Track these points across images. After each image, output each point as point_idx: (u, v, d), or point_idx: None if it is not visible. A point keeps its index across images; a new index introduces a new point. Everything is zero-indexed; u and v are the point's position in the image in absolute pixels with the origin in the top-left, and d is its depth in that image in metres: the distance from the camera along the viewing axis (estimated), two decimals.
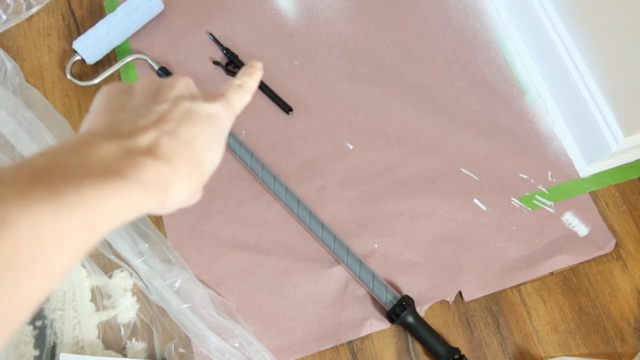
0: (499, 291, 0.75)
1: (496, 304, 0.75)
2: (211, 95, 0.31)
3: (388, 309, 0.71)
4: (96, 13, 0.91)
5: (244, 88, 0.34)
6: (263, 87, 0.84)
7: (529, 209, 0.79)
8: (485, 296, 0.75)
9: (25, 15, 0.89)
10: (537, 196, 0.80)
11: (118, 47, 0.87)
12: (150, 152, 0.26)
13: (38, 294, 0.21)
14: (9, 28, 0.89)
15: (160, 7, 0.88)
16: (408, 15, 0.91)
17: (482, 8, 0.92)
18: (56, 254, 0.21)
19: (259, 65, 0.36)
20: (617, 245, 0.77)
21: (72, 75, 0.84)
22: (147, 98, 0.30)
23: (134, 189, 0.24)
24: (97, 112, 0.29)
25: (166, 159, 0.26)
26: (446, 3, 0.92)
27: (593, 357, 0.72)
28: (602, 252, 0.77)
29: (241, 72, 0.35)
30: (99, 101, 0.30)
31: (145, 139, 0.26)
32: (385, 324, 0.72)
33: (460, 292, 0.75)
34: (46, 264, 0.21)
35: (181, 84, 0.31)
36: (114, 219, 0.23)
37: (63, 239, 0.21)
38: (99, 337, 0.71)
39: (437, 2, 0.92)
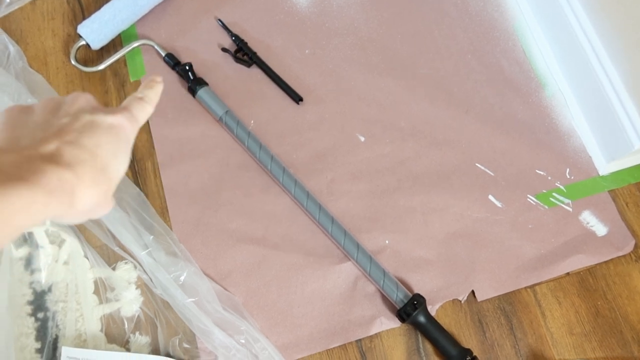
0: (513, 291, 0.73)
1: (510, 304, 0.72)
2: (112, 108, 0.33)
3: (398, 308, 0.69)
4: None
5: (146, 100, 0.36)
6: (273, 75, 0.82)
7: (546, 206, 0.76)
8: (498, 296, 0.73)
9: None
10: (554, 194, 0.77)
11: (124, 32, 0.84)
12: (52, 159, 0.27)
13: None
14: (12, 11, 0.86)
15: None
16: (424, 3, 0.88)
17: None
18: None
19: (159, 79, 0.39)
20: (636, 246, 0.75)
21: (76, 60, 0.81)
22: (47, 115, 0.31)
23: (37, 193, 0.25)
24: None
25: (69, 165, 0.27)
26: None
27: None
28: (620, 253, 0.74)
29: (142, 86, 0.38)
30: None
31: (46, 148, 0.27)
32: (395, 323, 0.70)
33: (473, 292, 0.72)
34: None
35: (81, 100, 0.32)
36: (19, 222, 0.24)
37: None
38: (101, 331, 0.69)
39: None
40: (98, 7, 0.83)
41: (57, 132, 0.29)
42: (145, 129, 0.79)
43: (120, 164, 0.31)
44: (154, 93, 0.37)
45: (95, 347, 0.68)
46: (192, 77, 0.79)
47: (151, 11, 0.85)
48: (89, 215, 0.31)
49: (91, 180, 0.28)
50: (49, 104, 0.32)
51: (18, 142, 0.28)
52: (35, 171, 0.25)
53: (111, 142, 0.31)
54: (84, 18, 0.85)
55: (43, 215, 0.26)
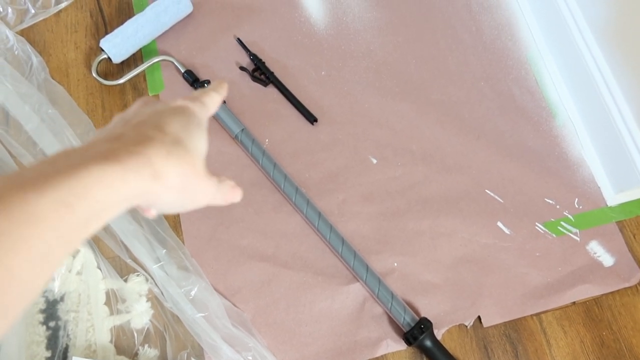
0: (519, 318, 0.73)
1: (515, 331, 0.73)
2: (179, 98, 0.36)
3: (405, 331, 0.69)
4: (124, 11, 0.90)
5: (211, 89, 0.38)
6: (289, 95, 0.83)
7: (554, 235, 0.77)
8: (504, 322, 0.73)
9: (53, 10, 0.89)
10: (562, 222, 0.78)
11: (145, 47, 0.86)
12: (137, 140, 0.28)
13: (35, 262, 0.23)
14: (36, 22, 0.88)
15: (189, 8, 0.87)
16: (438, 29, 0.90)
17: (515, 26, 0.90)
18: (65, 239, 0.24)
19: (225, 85, 0.40)
20: None
21: (97, 73, 0.83)
22: (129, 115, 0.34)
23: (106, 165, 0.26)
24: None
25: (136, 141, 0.28)
26: (478, 19, 0.90)
27: None
28: (627, 284, 0.75)
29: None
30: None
31: (131, 132, 0.29)
32: (401, 345, 0.71)
33: (479, 317, 0.73)
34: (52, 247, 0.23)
35: (142, 102, 0.35)
36: (97, 195, 0.25)
37: (39, 217, 0.23)
38: (111, 342, 0.70)
39: (469, 17, 0.91)
40: (121, 21, 0.85)
41: (137, 123, 0.31)
42: None
43: (195, 139, 0.32)
44: (221, 87, 0.39)
45: (105, 358, 0.69)
46: None
47: (172, 28, 0.87)
48: (191, 198, 0.32)
49: (166, 152, 0.29)
50: (131, 108, 0.35)
51: (110, 133, 0.30)
52: (124, 150, 0.27)
53: (179, 119, 0.32)
54: (106, 32, 0.87)
55: (124, 187, 0.26)
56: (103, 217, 0.26)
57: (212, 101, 0.37)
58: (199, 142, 0.32)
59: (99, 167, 0.25)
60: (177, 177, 0.29)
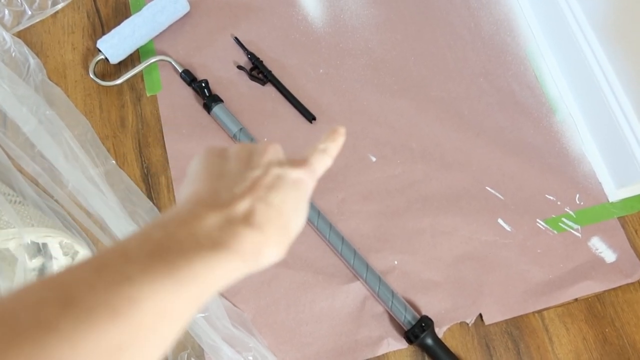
0: (521, 315, 0.73)
1: (517, 329, 0.73)
2: (296, 161, 0.33)
3: (406, 329, 0.69)
4: (121, 11, 0.90)
5: (327, 153, 0.36)
6: (287, 94, 0.83)
7: (555, 231, 0.77)
8: (506, 320, 0.73)
9: (50, 11, 0.89)
10: (563, 219, 0.78)
11: (142, 47, 0.86)
12: (247, 220, 0.28)
13: None
14: (33, 24, 0.88)
15: (186, 8, 0.86)
16: (437, 26, 0.89)
17: (514, 21, 0.90)
18: (172, 325, 0.24)
19: (343, 131, 0.37)
20: None
21: (95, 74, 0.83)
22: (241, 164, 0.32)
23: (235, 258, 0.26)
24: (198, 177, 0.32)
25: (260, 226, 0.28)
26: (477, 15, 0.90)
27: None
28: (629, 280, 0.75)
29: (325, 137, 0.37)
30: (198, 166, 0.33)
31: (242, 207, 0.28)
32: (402, 344, 0.71)
33: (480, 315, 0.73)
34: (163, 336, 0.23)
35: (271, 150, 0.33)
36: (215, 287, 0.26)
37: (179, 313, 0.24)
38: None
39: (467, 14, 0.90)
40: (118, 22, 0.85)
41: (250, 187, 0.30)
42: (160, 143, 0.80)
43: (300, 219, 0.31)
44: (335, 146, 0.36)
45: None
46: (207, 94, 0.80)
47: (169, 28, 0.87)
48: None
49: (276, 239, 0.29)
50: (242, 152, 0.33)
51: (218, 195, 0.29)
52: (234, 235, 0.27)
53: (295, 197, 0.31)
54: (103, 33, 0.87)
55: (234, 278, 0.27)
56: (206, 299, 0.26)
57: (322, 167, 0.35)
58: (301, 221, 0.31)
59: (228, 260, 0.26)
60: (270, 262, 0.29)
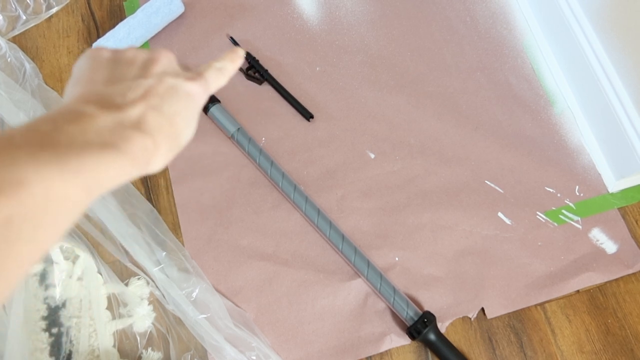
0: (523, 309, 0.73)
1: (519, 322, 0.73)
2: (191, 74, 0.33)
3: (409, 325, 0.69)
4: (116, 14, 0.90)
5: (223, 72, 0.36)
6: (284, 92, 0.83)
7: (555, 224, 0.77)
8: (508, 313, 0.73)
9: (45, 15, 0.89)
10: (563, 211, 0.77)
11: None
12: (139, 126, 0.28)
13: (40, 251, 0.23)
14: (28, 29, 0.88)
15: (180, 9, 0.86)
16: (433, 21, 0.89)
17: (510, 14, 0.89)
18: (61, 211, 0.24)
19: (242, 53, 0.38)
20: None
21: None
22: (135, 70, 0.32)
23: (125, 160, 0.26)
24: (88, 79, 0.31)
25: (152, 133, 0.28)
26: (472, 9, 0.90)
27: None
28: (630, 271, 0.74)
29: (223, 56, 0.37)
30: (86, 66, 0.32)
31: (134, 113, 0.28)
32: (405, 340, 0.71)
33: (482, 309, 0.73)
34: (53, 220, 0.23)
35: (165, 59, 0.33)
36: (105, 185, 0.26)
37: (67, 199, 0.24)
38: (114, 346, 0.70)
39: (463, 8, 0.90)
40: (112, 25, 0.84)
41: (143, 94, 0.30)
42: None
43: (190, 131, 0.32)
44: (232, 67, 0.37)
45: None
46: None
47: (164, 29, 0.87)
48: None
49: (167, 147, 0.30)
50: (136, 59, 0.33)
51: (110, 98, 0.29)
52: (125, 138, 0.27)
53: (186, 109, 0.32)
54: (98, 36, 0.87)
55: (124, 180, 0.27)
56: (92, 199, 0.26)
57: (216, 84, 0.35)
58: (191, 133, 0.32)
59: (118, 161, 0.26)
60: (158, 169, 0.30)
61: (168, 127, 0.30)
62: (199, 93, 0.33)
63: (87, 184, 0.24)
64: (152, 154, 0.28)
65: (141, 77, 0.31)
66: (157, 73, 0.32)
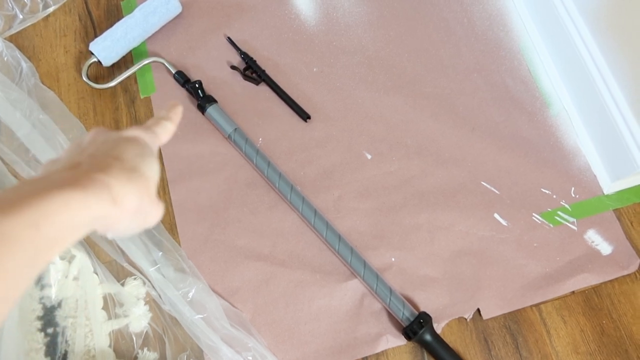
0: (519, 309, 0.73)
1: (515, 323, 0.73)
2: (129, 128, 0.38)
3: (405, 326, 0.69)
4: (113, 13, 0.89)
5: (163, 117, 0.40)
6: (281, 93, 0.83)
7: (551, 225, 0.77)
8: (504, 314, 0.73)
9: (41, 14, 0.88)
10: (559, 212, 0.78)
11: (135, 49, 0.86)
12: (91, 167, 0.31)
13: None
14: (25, 28, 0.88)
15: (178, 9, 0.86)
16: (430, 22, 0.89)
17: (507, 16, 0.90)
18: (34, 260, 0.25)
19: (180, 109, 0.43)
20: None
21: (88, 77, 0.82)
22: (77, 149, 0.35)
23: (72, 191, 0.28)
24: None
25: (103, 169, 0.31)
26: (470, 11, 0.90)
27: None
28: (625, 272, 0.75)
29: (165, 109, 0.42)
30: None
31: (86, 162, 0.32)
32: (401, 340, 0.71)
33: (478, 310, 0.73)
34: (24, 268, 0.25)
35: (96, 132, 0.37)
36: (60, 219, 0.27)
37: (40, 252, 0.25)
38: (110, 346, 0.70)
39: (460, 9, 0.90)
40: (110, 24, 0.84)
41: (91, 153, 0.33)
42: None
43: (149, 165, 0.34)
44: (173, 113, 0.41)
45: None
46: (201, 95, 0.80)
47: (162, 29, 0.86)
48: (143, 219, 0.34)
49: (126, 177, 0.31)
50: (77, 142, 0.37)
51: (67, 163, 0.33)
52: (82, 175, 0.29)
53: (133, 148, 0.34)
54: (95, 35, 0.86)
55: (86, 211, 0.28)
56: (67, 238, 0.27)
57: (164, 130, 0.39)
58: (153, 169, 0.35)
59: (63, 193, 0.27)
60: (135, 202, 0.32)
61: (117, 162, 0.32)
62: (138, 134, 0.36)
63: (54, 229, 0.26)
64: (110, 184, 0.30)
65: (87, 147, 0.35)
66: (99, 140, 0.35)
